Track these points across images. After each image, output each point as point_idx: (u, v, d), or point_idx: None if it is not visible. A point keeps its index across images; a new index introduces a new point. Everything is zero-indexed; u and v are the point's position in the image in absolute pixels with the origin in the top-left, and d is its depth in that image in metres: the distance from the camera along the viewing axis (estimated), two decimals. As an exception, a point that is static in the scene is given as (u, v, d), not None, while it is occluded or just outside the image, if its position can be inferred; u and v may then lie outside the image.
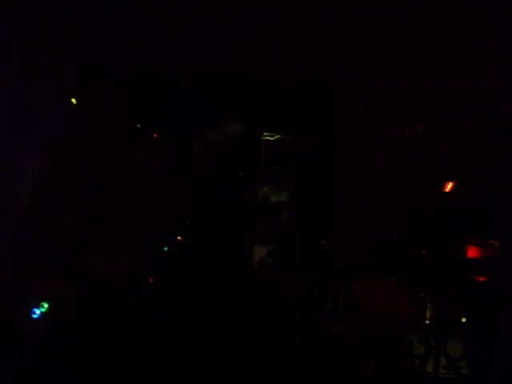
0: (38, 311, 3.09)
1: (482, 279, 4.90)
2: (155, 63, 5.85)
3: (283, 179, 6.23)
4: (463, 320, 4.97)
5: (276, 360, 4.89)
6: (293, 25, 5.82)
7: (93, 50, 5.74)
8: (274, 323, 5.10)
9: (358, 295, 5.01)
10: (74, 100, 3.46)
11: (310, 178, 6.08)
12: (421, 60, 5.74)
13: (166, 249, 5.38)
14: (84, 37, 5.76)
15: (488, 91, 5.58)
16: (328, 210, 5.88)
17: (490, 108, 5.33)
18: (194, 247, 5.67)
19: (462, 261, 4.98)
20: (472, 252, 4.97)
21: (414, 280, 4.92)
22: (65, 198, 3.28)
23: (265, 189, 6.13)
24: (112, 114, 3.41)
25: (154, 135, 3.56)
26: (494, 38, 5.67)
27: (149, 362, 4.53)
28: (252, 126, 5.69)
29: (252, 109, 5.84)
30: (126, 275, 3.28)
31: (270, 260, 5.34)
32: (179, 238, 5.42)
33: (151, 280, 4.98)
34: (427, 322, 4.97)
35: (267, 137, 6.15)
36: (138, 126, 3.53)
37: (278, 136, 6.16)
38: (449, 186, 5.11)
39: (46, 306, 3.10)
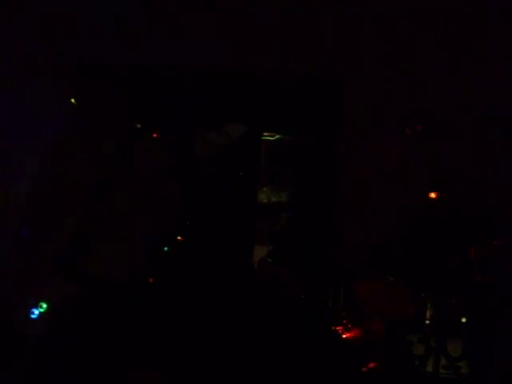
0: (36, 311, 3.09)
1: (482, 279, 4.90)
2: (155, 63, 5.85)
3: (283, 179, 6.22)
4: (463, 320, 4.97)
5: (276, 360, 4.89)
6: (293, 25, 5.82)
7: (93, 50, 5.74)
8: (274, 323, 5.10)
9: (358, 295, 5.01)
10: (73, 100, 3.45)
11: (309, 178, 6.08)
12: (421, 60, 5.74)
13: (166, 249, 5.37)
14: (84, 37, 5.76)
15: (488, 91, 5.58)
16: (328, 211, 5.88)
17: (490, 108, 5.34)
18: (194, 247, 5.66)
19: (463, 261, 4.98)
20: (473, 251, 4.97)
21: (413, 280, 4.92)
22: (65, 198, 3.28)
23: (265, 189, 6.13)
24: (112, 113, 3.42)
25: (154, 135, 3.56)
26: (494, 38, 5.67)
27: (149, 362, 4.53)
28: (252, 126, 5.70)
29: (252, 109, 5.84)
30: (125, 275, 3.28)
31: (269, 260, 5.33)
32: (179, 237, 5.42)
33: (151, 280, 4.99)
34: (427, 321, 4.97)
35: (267, 137, 6.15)
36: (138, 126, 3.53)
37: (277, 136, 6.15)
38: (432, 195, 5.12)
39: (44, 306, 3.10)
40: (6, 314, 3.21)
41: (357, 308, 5.05)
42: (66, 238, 3.19)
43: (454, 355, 4.92)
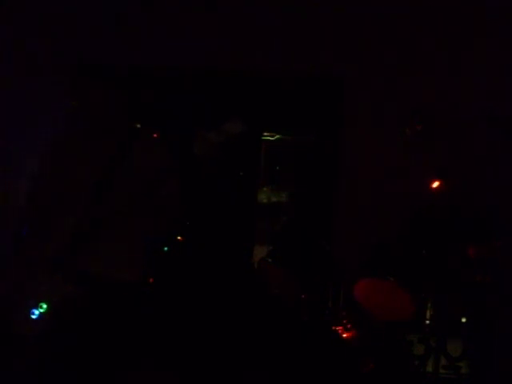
0: (36, 312, 3.09)
1: (482, 279, 4.90)
2: (155, 63, 5.85)
3: (283, 179, 6.22)
4: (463, 320, 4.97)
5: (276, 360, 4.89)
6: (293, 25, 5.82)
7: (93, 50, 5.74)
8: (273, 323, 5.10)
9: (357, 295, 5.01)
10: (74, 100, 3.46)
11: (309, 178, 6.08)
12: (421, 60, 5.74)
13: (166, 249, 5.37)
14: (84, 37, 5.76)
15: (488, 91, 5.58)
16: (328, 211, 5.88)
17: (490, 108, 5.33)
18: (194, 247, 5.66)
19: (463, 261, 4.97)
20: (473, 251, 4.97)
21: (413, 280, 4.92)
22: (65, 198, 3.28)
23: (265, 189, 6.13)
24: (112, 113, 3.42)
25: (154, 135, 3.56)
26: (494, 38, 5.67)
27: (148, 362, 4.53)
28: (252, 126, 5.70)
29: (252, 109, 5.83)
30: (125, 275, 3.28)
31: (270, 260, 5.33)
32: (179, 237, 5.42)
33: (151, 280, 4.99)
34: (427, 321, 4.97)
35: (267, 137, 6.15)
36: (138, 126, 3.53)
37: (278, 136, 6.15)
38: (435, 184, 5.12)
39: (44, 306, 3.10)
40: (5, 314, 3.21)
41: (357, 308, 5.04)
42: (66, 238, 3.19)
43: (454, 355, 4.93)
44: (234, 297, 5.36)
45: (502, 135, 5.36)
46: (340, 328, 5.04)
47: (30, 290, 3.16)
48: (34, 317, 3.11)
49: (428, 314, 4.98)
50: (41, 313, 3.11)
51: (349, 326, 5.04)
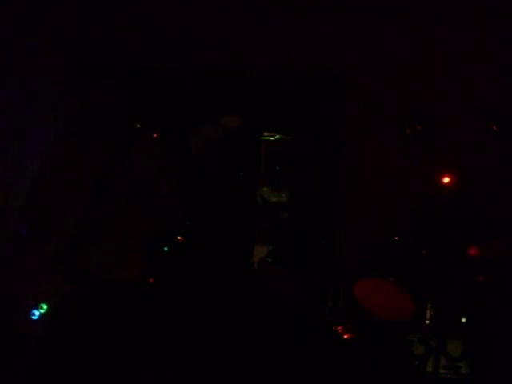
0: (36, 312, 3.09)
1: (482, 279, 4.90)
2: (155, 63, 5.85)
3: (283, 179, 6.22)
4: (463, 320, 4.97)
5: (276, 360, 4.89)
6: (293, 25, 5.82)
7: (93, 49, 5.74)
8: (273, 323, 5.10)
9: (358, 295, 5.01)
10: (74, 100, 3.46)
11: (309, 178, 6.08)
12: (421, 60, 5.73)
13: (166, 249, 5.38)
14: (84, 37, 5.76)
15: (488, 91, 5.58)
16: (328, 211, 5.88)
17: (490, 108, 5.33)
18: (194, 247, 5.66)
19: (463, 261, 4.97)
20: (473, 251, 4.97)
21: (414, 280, 4.92)
22: (65, 198, 3.28)
23: (265, 189, 6.13)
24: (112, 114, 3.42)
25: (154, 135, 3.56)
26: (494, 38, 5.67)
27: (148, 362, 4.53)
28: (252, 126, 5.69)
29: (252, 109, 5.83)
30: (125, 275, 3.28)
31: (270, 260, 5.33)
32: (179, 237, 5.42)
33: (151, 280, 4.99)
34: (427, 321, 4.97)
35: (267, 137, 6.15)
36: (138, 126, 3.53)
37: (277, 136, 6.15)
38: (446, 180, 5.12)
39: (45, 307, 3.10)
40: (6, 314, 3.20)
41: (357, 308, 5.04)
42: (66, 237, 3.19)
43: (454, 355, 4.92)
44: (233, 297, 5.36)
45: (502, 135, 5.36)
46: (340, 328, 5.04)
47: (29, 290, 3.16)
48: (34, 317, 3.10)
49: (428, 314, 4.98)
50: (41, 313, 3.11)
51: (349, 326, 5.04)
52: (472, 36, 5.70)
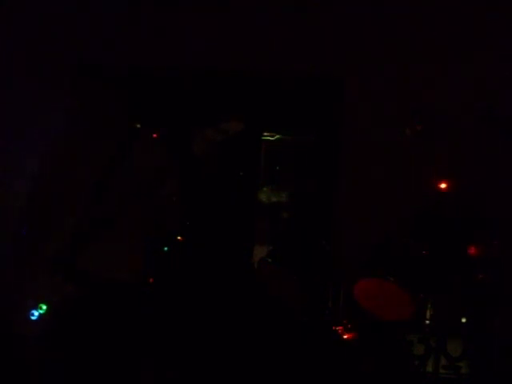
0: (36, 313, 3.09)
1: (482, 279, 4.90)
2: (155, 63, 5.85)
3: (283, 179, 6.22)
4: (463, 320, 4.97)
5: (276, 360, 4.89)
6: (293, 25, 5.82)
7: (93, 50, 5.74)
8: (273, 323, 5.10)
9: (357, 295, 5.01)
10: (74, 100, 3.46)
11: (309, 178, 6.08)
12: (421, 60, 5.74)
13: (166, 249, 5.37)
14: (84, 37, 5.76)
15: (488, 91, 5.58)
16: (328, 210, 5.88)
17: (490, 108, 5.33)
18: (194, 247, 5.66)
19: (462, 261, 4.97)
20: (473, 251, 4.97)
21: (414, 280, 4.92)
22: (65, 198, 3.28)
23: (265, 189, 6.13)
24: (112, 114, 3.42)
25: (154, 135, 3.56)
26: (495, 38, 5.67)
27: (148, 362, 4.53)
28: (252, 126, 5.69)
29: (252, 109, 5.83)
30: (126, 275, 3.28)
31: (270, 260, 5.33)
32: (179, 237, 5.41)
33: (151, 280, 4.99)
34: (427, 321, 4.97)
35: (267, 137, 6.15)
36: (138, 126, 3.53)
37: (278, 136, 6.15)
38: (443, 186, 5.12)
39: (44, 307, 3.10)
40: (5, 314, 3.21)
41: (357, 308, 5.04)
42: (66, 238, 3.19)
43: (454, 355, 4.92)
44: (233, 297, 5.36)
45: (502, 135, 5.36)
46: (340, 328, 5.04)
47: (29, 290, 3.16)
48: (33, 318, 3.11)
49: (428, 314, 4.98)
50: (40, 314, 3.11)
51: (349, 326, 5.04)
52: (472, 36, 5.70)
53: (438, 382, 4.94)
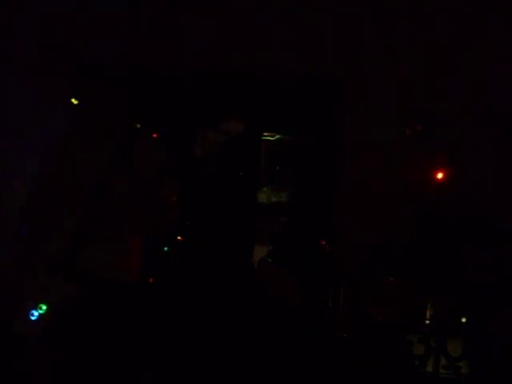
0: (36, 313, 3.09)
1: (481, 279, 4.90)
2: (155, 63, 5.85)
3: (283, 179, 6.22)
4: (463, 320, 4.97)
5: (276, 360, 4.89)
6: (293, 25, 5.82)
7: (93, 49, 5.73)
8: (273, 323, 5.10)
9: (357, 295, 5.01)
10: (74, 100, 3.46)
11: (309, 178, 6.07)
12: (421, 60, 5.73)
13: (166, 249, 5.38)
14: (84, 37, 5.76)
15: (488, 91, 5.58)
16: (328, 210, 5.88)
17: (490, 108, 5.33)
18: (194, 247, 5.66)
19: (462, 261, 4.97)
20: (472, 252, 4.97)
21: (414, 280, 4.92)
22: (65, 198, 3.28)
23: (265, 189, 6.13)
24: (112, 114, 3.42)
25: (154, 135, 3.56)
26: (495, 39, 5.67)
27: (148, 362, 4.53)
28: (252, 126, 5.69)
29: (252, 109, 5.83)
30: (125, 275, 3.28)
31: (270, 260, 5.33)
32: (179, 237, 5.42)
33: (151, 280, 4.99)
34: (427, 322, 4.97)
35: (267, 137, 6.15)
36: (138, 126, 3.53)
37: (278, 136, 6.15)
38: (440, 176, 5.12)
39: (44, 307, 3.10)
40: (6, 314, 3.21)
41: (357, 308, 5.04)
42: (66, 238, 3.19)
43: (454, 355, 4.92)
44: (233, 297, 5.36)
45: (502, 135, 5.36)
46: (340, 328, 5.04)
47: (29, 290, 3.16)
48: (32, 318, 3.10)
49: (428, 314, 4.98)
50: (40, 314, 3.11)
51: (349, 325, 5.04)
52: (472, 36, 5.70)
53: (438, 381, 4.94)
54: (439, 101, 5.57)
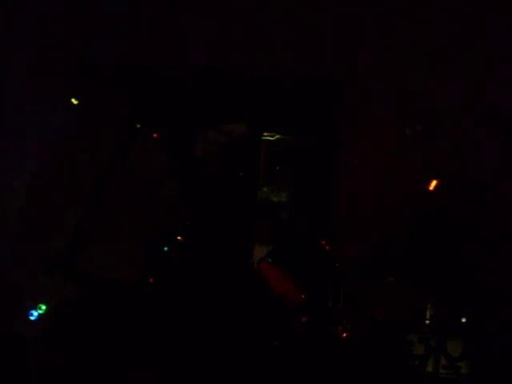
0: (35, 313, 3.09)
1: (481, 279, 4.90)
2: (155, 63, 5.85)
3: (283, 179, 6.22)
4: (463, 320, 4.97)
5: (276, 360, 4.89)
6: (293, 25, 5.82)
7: (93, 49, 5.74)
8: (273, 323, 5.10)
9: (357, 295, 5.01)
10: (74, 100, 3.46)
11: (309, 178, 6.07)
12: (421, 60, 5.73)
13: (166, 249, 5.38)
14: (84, 37, 5.76)
15: (488, 91, 5.58)
16: (328, 210, 5.88)
17: (490, 108, 5.33)
18: (194, 247, 5.66)
19: (462, 261, 4.98)
20: (472, 252, 4.97)
21: (414, 280, 4.92)
22: (65, 198, 3.29)
23: (265, 189, 6.13)
24: (112, 114, 3.42)
25: (154, 135, 3.57)
26: (494, 38, 5.67)
27: (148, 362, 4.53)
28: (252, 126, 5.70)
29: (252, 109, 5.83)
30: (125, 275, 3.28)
31: (270, 260, 5.33)
32: (179, 237, 5.42)
33: (151, 280, 4.99)
34: (427, 321, 4.97)
35: (267, 137, 6.15)
36: (138, 125, 3.53)
37: (278, 136, 6.15)
38: (433, 184, 5.12)
39: (43, 307, 3.10)
40: (5, 314, 3.21)
41: (357, 308, 5.05)
42: (66, 237, 3.19)
43: (454, 355, 4.93)
44: (233, 297, 5.36)
45: (502, 135, 5.36)
46: (340, 328, 5.04)
47: (29, 290, 3.16)
48: (32, 318, 3.11)
49: (428, 314, 4.98)
50: (39, 314, 3.11)
51: (349, 325, 5.04)
52: (472, 36, 5.70)
53: (438, 381, 4.95)
54: (439, 101, 5.57)
